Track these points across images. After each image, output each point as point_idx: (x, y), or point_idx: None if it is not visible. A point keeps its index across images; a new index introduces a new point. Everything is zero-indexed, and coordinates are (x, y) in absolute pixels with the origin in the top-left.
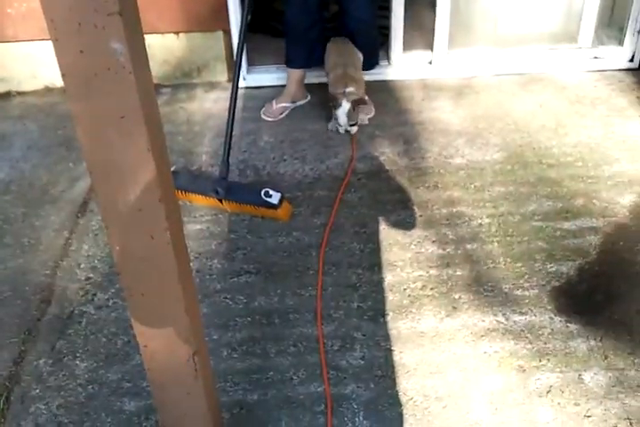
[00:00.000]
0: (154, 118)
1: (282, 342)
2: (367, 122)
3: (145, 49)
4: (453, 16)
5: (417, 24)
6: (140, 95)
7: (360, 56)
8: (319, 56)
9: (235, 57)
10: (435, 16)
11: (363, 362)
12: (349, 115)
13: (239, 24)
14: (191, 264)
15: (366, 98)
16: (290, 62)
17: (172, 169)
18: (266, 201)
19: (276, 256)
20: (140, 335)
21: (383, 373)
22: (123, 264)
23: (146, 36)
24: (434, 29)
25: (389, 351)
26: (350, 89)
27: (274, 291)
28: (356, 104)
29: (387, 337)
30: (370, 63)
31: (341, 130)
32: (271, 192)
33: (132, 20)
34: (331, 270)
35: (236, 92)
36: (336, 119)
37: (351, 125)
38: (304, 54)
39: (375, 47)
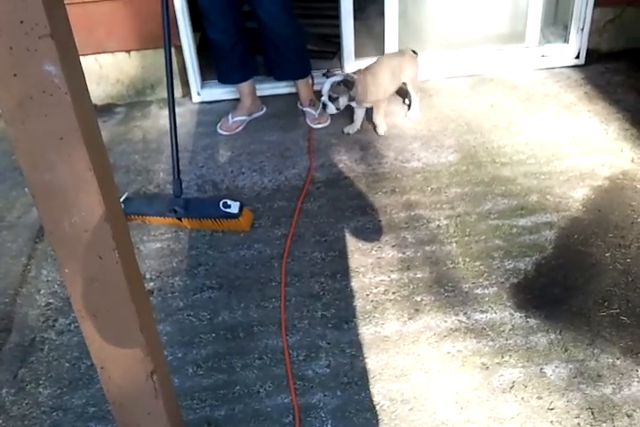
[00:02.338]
0: (94, 138)
1: (247, 356)
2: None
3: (81, 69)
4: (402, 21)
5: (366, 31)
6: (77, 116)
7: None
8: (252, 67)
9: (188, 73)
10: (384, 22)
11: (329, 370)
12: (332, 87)
13: (190, 40)
14: (152, 283)
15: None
16: (222, 79)
17: (125, 196)
18: (225, 212)
19: (239, 270)
20: (96, 357)
21: (349, 379)
22: (73, 286)
23: (97, 55)
24: (384, 35)
25: (355, 358)
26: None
27: (237, 305)
28: (345, 83)
29: (351, 344)
30: (300, 72)
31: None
32: (229, 202)
33: (64, 42)
34: (293, 281)
35: (173, 109)
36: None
37: (331, 99)
38: (234, 71)
39: (302, 55)
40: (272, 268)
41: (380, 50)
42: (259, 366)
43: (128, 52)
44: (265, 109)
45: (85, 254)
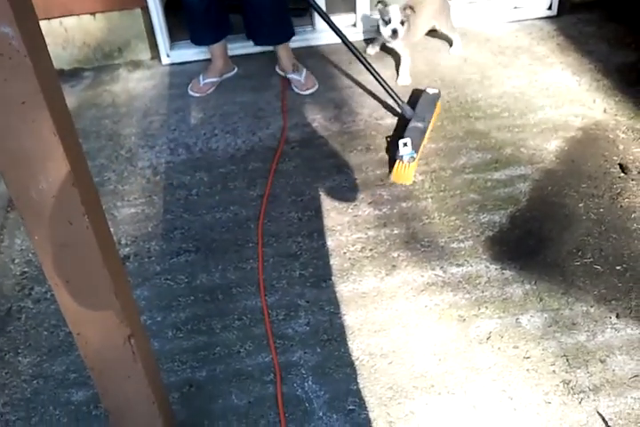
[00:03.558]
0: (58, 102)
1: (227, 317)
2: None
3: (40, 31)
4: None
5: None
6: (39, 79)
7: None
8: (226, 28)
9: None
10: None
11: (308, 328)
12: (401, 11)
13: (157, 0)
14: (128, 248)
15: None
16: (195, 40)
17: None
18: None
19: (215, 232)
20: (72, 323)
21: (329, 336)
22: (43, 253)
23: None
24: None
25: (333, 315)
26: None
27: (215, 267)
28: (410, 7)
29: (330, 301)
30: (282, 36)
31: (387, 31)
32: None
33: (21, 2)
34: (270, 241)
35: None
36: (384, 19)
37: (402, 23)
38: (208, 32)
39: (284, 18)
40: (249, 229)
41: (351, 6)
42: (238, 326)
43: (93, 14)
44: (236, 69)
45: (54, 221)
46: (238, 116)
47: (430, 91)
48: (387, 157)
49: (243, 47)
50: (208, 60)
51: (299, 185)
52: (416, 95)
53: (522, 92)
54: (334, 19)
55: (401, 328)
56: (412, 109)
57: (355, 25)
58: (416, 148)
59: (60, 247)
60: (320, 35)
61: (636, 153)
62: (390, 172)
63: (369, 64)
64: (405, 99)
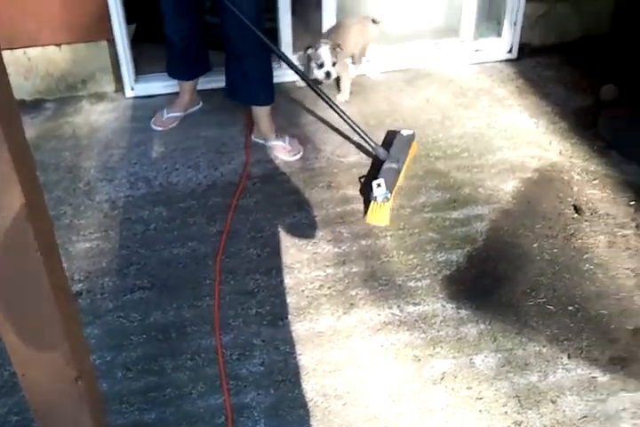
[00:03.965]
0: (16, 133)
1: (179, 357)
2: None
3: (2, 60)
4: (340, 16)
5: (304, 25)
6: None
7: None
8: (204, 67)
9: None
10: (321, 16)
11: (263, 368)
12: (331, 51)
13: (123, 33)
14: (81, 284)
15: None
16: (172, 74)
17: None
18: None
19: (171, 268)
20: (17, 364)
21: (283, 377)
22: None
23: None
24: (321, 29)
25: (289, 355)
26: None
27: (170, 305)
28: (337, 46)
29: (286, 340)
30: (265, 97)
31: (320, 74)
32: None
33: None
34: (228, 278)
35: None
36: (317, 63)
37: (333, 64)
38: (186, 68)
39: (268, 78)
40: (206, 266)
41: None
42: (191, 366)
43: (59, 45)
44: (201, 104)
45: (5, 256)
46: (201, 150)
47: (405, 132)
48: (347, 194)
49: (209, 82)
50: (173, 94)
51: (259, 221)
52: (390, 136)
53: (481, 133)
54: (300, 57)
55: (356, 368)
56: (387, 151)
57: None
58: (390, 188)
59: (9, 283)
60: (284, 71)
61: (589, 195)
62: (365, 213)
63: (337, 107)
64: (379, 140)
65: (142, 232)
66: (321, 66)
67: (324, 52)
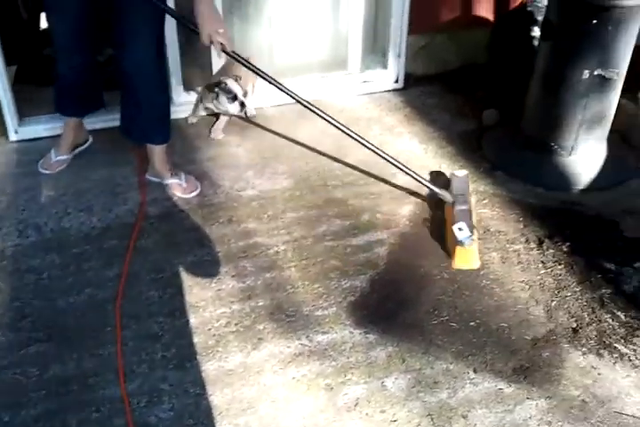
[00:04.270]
0: None
1: (83, 410)
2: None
3: None
4: None
5: (193, 62)
6: None
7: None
8: (96, 105)
9: None
10: (210, 53)
11: (172, 413)
12: (238, 83)
13: (3, 76)
14: None
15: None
16: (60, 110)
17: None
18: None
19: (69, 318)
20: None
21: (195, 420)
22: None
23: None
24: (211, 66)
25: (199, 396)
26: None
27: (69, 356)
28: (238, 78)
29: (195, 382)
30: (162, 136)
31: (235, 108)
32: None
33: None
34: (130, 323)
35: None
36: (228, 97)
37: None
38: (81, 104)
39: (166, 117)
40: (105, 312)
41: (209, 80)
42: (97, 419)
43: None
44: (91, 139)
45: None
46: (93, 192)
47: (459, 173)
48: (249, 228)
49: (99, 121)
50: (60, 136)
51: (158, 262)
52: (441, 179)
53: (375, 161)
54: (192, 94)
55: (269, 404)
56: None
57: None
58: (471, 229)
59: None
60: (175, 108)
61: (480, 213)
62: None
63: (375, 147)
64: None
65: (35, 282)
66: (234, 98)
67: (232, 84)
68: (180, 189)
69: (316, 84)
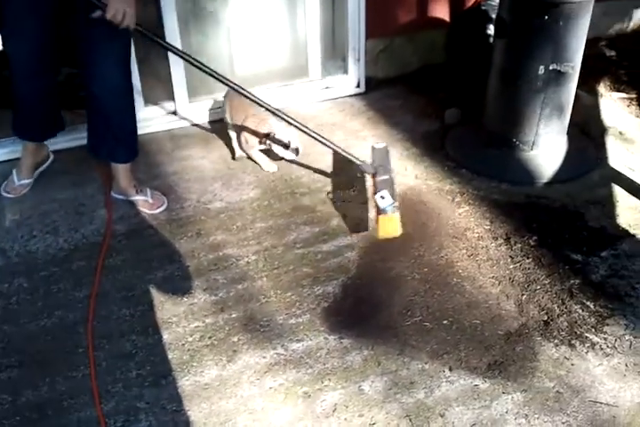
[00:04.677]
0: None
1: None
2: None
3: None
4: (189, 64)
5: (154, 75)
6: None
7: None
8: (60, 125)
9: None
10: (169, 66)
11: None
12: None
13: None
14: None
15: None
16: (24, 136)
17: None
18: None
19: (40, 342)
20: None
21: None
22: None
23: None
24: (171, 79)
25: (176, 413)
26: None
27: (42, 380)
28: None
29: (172, 399)
30: (129, 154)
31: (292, 155)
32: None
33: None
34: (102, 344)
35: None
36: (283, 144)
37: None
38: (41, 128)
39: (133, 134)
40: (77, 333)
41: (169, 94)
42: None
43: None
44: (52, 157)
45: None
46: (58, 213)
47: (377, 146)
48: (218, 239)
49: (60, 142)
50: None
51: (129, 279)
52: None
53: (340, 167)
54: (154, 108)
55: (247, 415)
56: (371, 165)
57: (175, 113)
58: (394, 197)
59: None
60: (140, 124)
61: (448, 212)
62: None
63: (309, 128)
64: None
65: (3, 307)
66: (287, 146)
67: (281, 133)
68: (146, 205)
69: (279, 93)
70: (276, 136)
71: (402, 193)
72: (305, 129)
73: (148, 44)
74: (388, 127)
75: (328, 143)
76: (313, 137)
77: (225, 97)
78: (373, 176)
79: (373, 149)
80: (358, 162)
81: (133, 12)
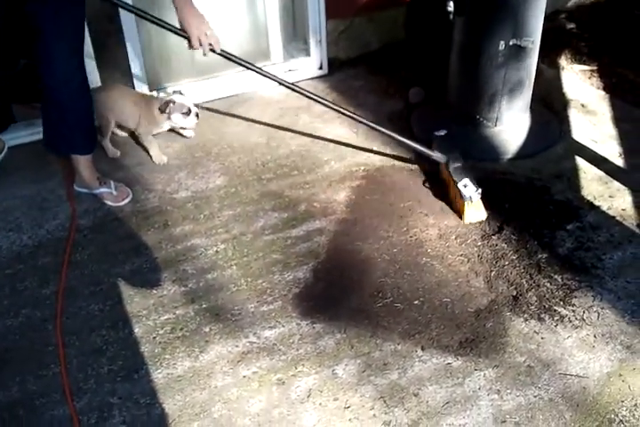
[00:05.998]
0: None
1: None
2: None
3: None
4: (147, 52)
5: (111, 63)
6: None
7: None
8: (8, 121)
9: None
10: (127, 54)
11: (125, 426)
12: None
13: None
14: None
15: None
16: None
17: None
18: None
19: (7, 341)
20: None
21: None
22: None
23: None
24: (129, 68)
25: (150, 406)
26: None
27: (12, 380)
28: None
29: (145, 392)
30: (89, 146)
31: (191, 121)
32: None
33: None
34: (72, 340)
35: None
36: (183, 112)
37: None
38: None
39: (91, 125)
40: (46, 331)
41: (128, 82)
42: None
43: None
44: (7, 148)
45: None
46: (20, 210)
47: (439, 133)
48: (185, 230)
49: (12, 138)
50: None
51: (96, 274)
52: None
53: (307, 150)
54: None
55: (222, 405)
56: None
57: None
58: (474, 183)
59: None
60: None
61: (415, 191)
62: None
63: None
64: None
65: None
66: (188, 113)
67: (181, 99)
68: (110, 197)
69: (241, 78)
70: (177, 103)
71: (369, 174)
72: (368, 122)
73: (105, 35)
74: (352, 108)
75: (395, 135)
76: (374, 128)
77: (106, 109)
78: (446, 165)
79: (435, 136)
80: (430, 152)
81: (215, 35)
